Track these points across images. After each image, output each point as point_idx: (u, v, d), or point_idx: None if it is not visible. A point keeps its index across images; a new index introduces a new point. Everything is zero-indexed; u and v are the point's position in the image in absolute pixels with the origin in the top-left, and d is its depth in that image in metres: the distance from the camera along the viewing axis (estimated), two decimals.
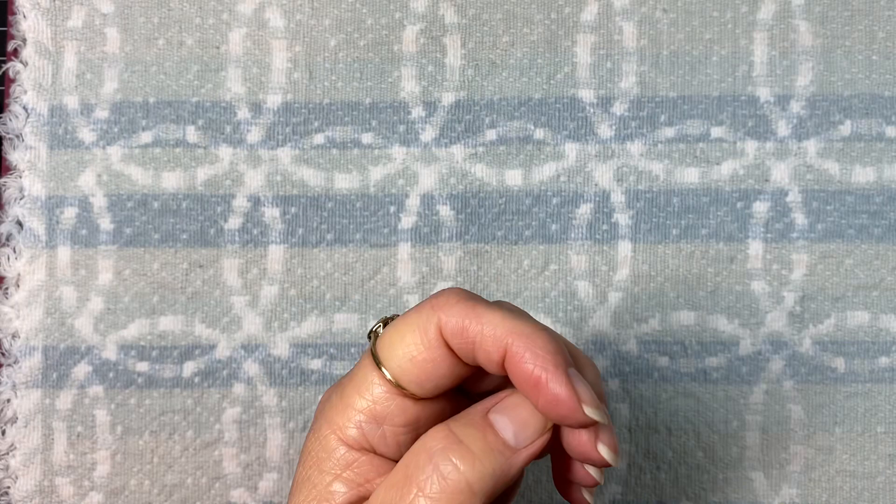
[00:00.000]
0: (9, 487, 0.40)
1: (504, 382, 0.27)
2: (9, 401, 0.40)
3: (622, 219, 0.41)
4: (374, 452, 0.27)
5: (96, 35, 0.41)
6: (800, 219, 0.41)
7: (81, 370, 0.40)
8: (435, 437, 0.25)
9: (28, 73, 0.41)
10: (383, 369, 0.26)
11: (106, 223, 0.40)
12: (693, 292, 0.41)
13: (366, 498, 0.26)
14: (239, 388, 0.40)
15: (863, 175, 0.41)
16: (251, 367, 0.40)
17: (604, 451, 0.26)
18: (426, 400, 0.27)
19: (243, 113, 0.41)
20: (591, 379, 0.27)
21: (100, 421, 0.40)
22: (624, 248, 0.41)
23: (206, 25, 0.41)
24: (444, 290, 0.27)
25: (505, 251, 0.41)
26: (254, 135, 0.41)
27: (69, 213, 0.40)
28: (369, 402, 0.26)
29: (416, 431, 0.27)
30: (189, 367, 0.40)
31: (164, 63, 0.41)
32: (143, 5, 0.41)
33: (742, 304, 0.40)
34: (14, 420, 0.40)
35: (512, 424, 0.25)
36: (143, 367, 0.40)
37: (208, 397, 0.40)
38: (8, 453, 0.40)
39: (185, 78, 0.41)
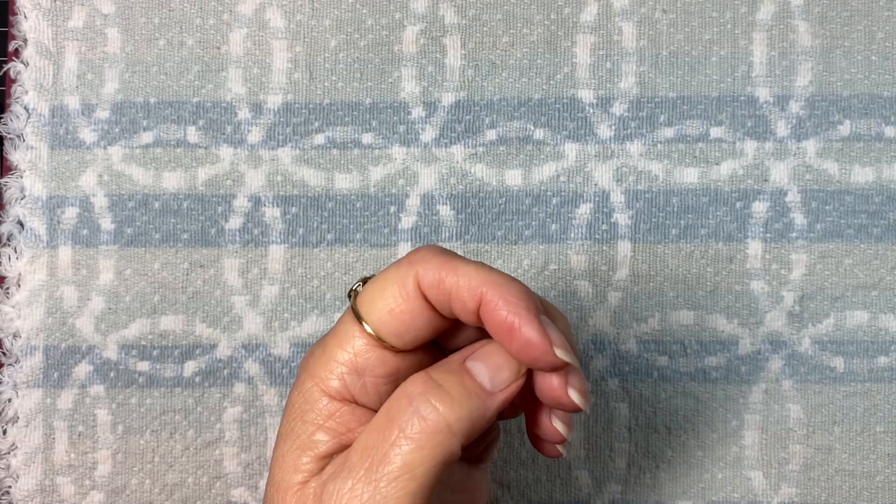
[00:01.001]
0: (10, 487, 0.40)
1: (478, 336, 0.29)
2: (10, 400, 0.40)
3: (622, 219, 0.41)
4: (356, 403, 0.28)
5: (97, 35, 0.41)
6: (799, 219, 0.41)
7: (82, 370, 0.40)
8: (415, 383, 0.26)
9: (29, 74, 0.41)
10: (364, 323, 0.27)
11: (107, 223, 0.41)
12: (692, 292, 0.41)
13: (346, 446, 0.27)
14: (240, 388, 0.40)
15: (862, 175, 0.41)
16: (252, 367, 0.40)
17: (574, 395, 0.27)
18: (405, 352, 0.28)
19: (244, 113, 0.41)
20: (562, 328, 0.28)
21: (101, 420, 0.40)
22: (623, 247, 0.41)
23: (206, 26, 0.41)
24: (420, 247, 0.28)
25: (505, 251, 0.41)
26: (254, 135, 0.41)
27: (70, 213, 0.40)
28: (350, 354, 0.27)
29: (396, 382, 0.28)
30: (190, 367, 0.40)
31: (165, 63, 0.41)
32: (144, 6, 0.41)
33: (741, 304, 0.41)
34: (15, 420, 0.40)
35: (487, 370, 0.27)
36: (143, 366, 0.40)
37: (209, 397, 0.40)
38: (9, 453, 0.40)
39: (186, 78, 0.41)
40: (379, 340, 0.27)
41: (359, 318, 0.27)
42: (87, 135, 0.41)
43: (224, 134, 0.41)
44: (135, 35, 0.41)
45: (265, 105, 0.41)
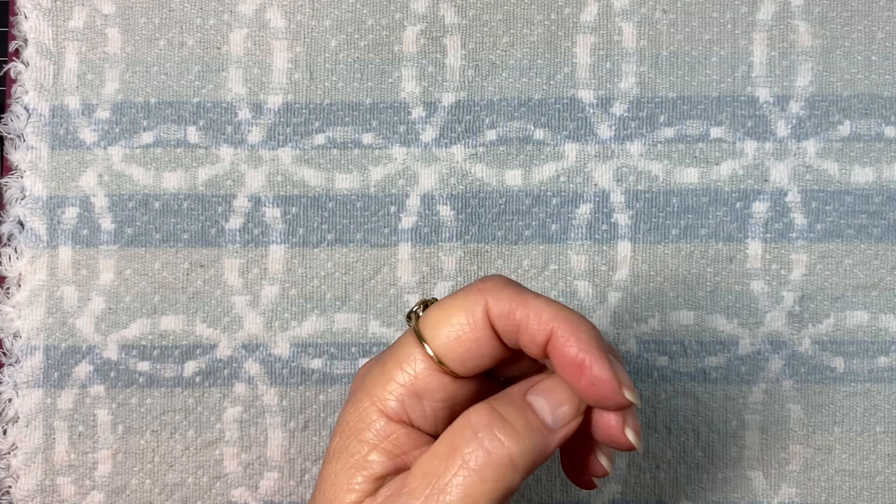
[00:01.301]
0: (10, 487, 0.40)
1: (532, 367, 0.29)
2: (10, 400, 0.40)
3: (622, 219, 0.41)
4: (412, 425, 0.28)
5: (97, 36, 0.41)
6: (799, 219, 0.41)
7: (83, 370, 0.40)
8: (479, 414, 0.26)
9: (29, 74, 0.41)
10: (427, 346, 0.27)
11: (107, 223, 0.41)
12: (692, 292, 0.41)
13: (401, 468, 0.27)
14: (240, 388, 0.40)
15: (862, 175, 0.41)
16: (252, 367, 0.40)
17: (630, 436, 0.27)
18: (463, 378, 0.28)
19: (244, 113, 0.41)
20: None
21: (101, 420, 0.40)
22: (623, 248, 0.41)
23: (206, 26, 0.41)
24: (488, 276, 0.28)
25: (505, 251, 0.41)
26: (255, 135, 0.41)
27: (70, 213, 0.40)
28: (411, 376, 0.27)
29: (453, 408, 0.28)
30: (190, 367, 0.40)
31: (166, 64, 0.41)
32: (145, 6, 0.41)
33: (741, 304, 0.41)
34: (15, 420, 0.40)
35: (549, 405, 0.27)
36: (144, 366, 0.40)
37: (209, 397, 0.40)
38: (9, 453, 0.40)
39: (186, 78, 0.41)
40: (440, 365, 0.27)
41: (422, 341, 0.27)
42: (88, 135, 0.41)
43: (224, 134, 0.41)
44: (135, 35, 0.41)
45: (265, 105, 0.41)
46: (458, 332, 0.27)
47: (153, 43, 0.41)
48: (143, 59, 0.41)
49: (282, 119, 0.41)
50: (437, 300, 0.29)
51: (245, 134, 0.41)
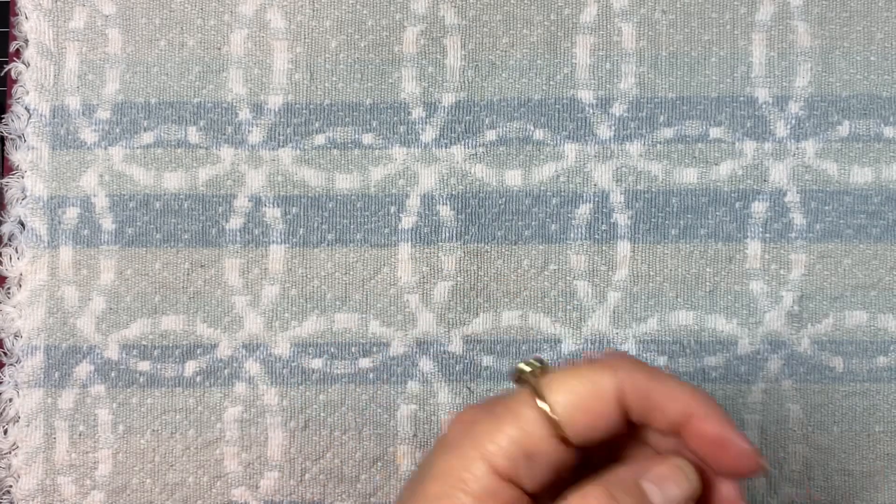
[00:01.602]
0: (11, 486, 0.40)
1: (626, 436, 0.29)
2: (11, 400, 0.40)
3: (621, 219, 0.41)
4: (517, 485, 0.27)
5: (98, 36, 0.41)
6: (798, 219, 0.41)
7: (83, 369, 0.40)
8: (596, 496, 0.26)
9: (30, 74, 0.41)
10: (549, 409, 0.27)
11: (108, 223, 0.41)
12: (692, 292, 0.41)
13: None
14: (240, 388, 0.40)
15: (861, 175, 0.41)
16: (252, 367, 0.40)
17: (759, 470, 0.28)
18: (572, 447, 0.27)
19: (244, 114, 0.41)
20: None
21: (101, 420, 0.40)
22: (623, 248, 0.41)
23: (207, 26, 0.41)
24: (614, 352, 0.29)
25: (504, 251, 0.41)
26: (255, 135, 0.41)
27: (71, 214, 0.41)
28: (525, 434, 0.26)
29: (557, 473, 0.27)
30: (190, 367, 0.40)
31: (166, 64, 0.41)
32: (145, 6, 0.41)
33: (740, 304, 0.41)
34: (16, 419, 0.40)
35: (662, 496, 0.27)
36: (144, 366, 0.40)
37: (210, 396, 0.40)
38: (10, 452, 0.40)
39: (187, 79, 0.41)
40: (557, 430, 0.27)
41: (541, 401, 0.27)
42: (88, 135, 0.41)
43: (225, 134, 0.41)
44: (136, 36, 0.41)
45: (266, 105, 0.41)
46: (585, 402, 0.27)
47: (154, 43, 0.41)
48: (144, 60, 0.41)
49: (282, 119, 0.41)
50: (543, 362, 0.28)
51: (245, 134, 0.41)
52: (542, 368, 0.28)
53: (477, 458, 0.26)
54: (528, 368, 0.28)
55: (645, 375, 0.27)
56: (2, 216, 0.41)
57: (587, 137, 0.41)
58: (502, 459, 0.26)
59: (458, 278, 0.41)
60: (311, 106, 0.41)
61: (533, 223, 0.41)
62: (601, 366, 0.27)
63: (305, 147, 0.41)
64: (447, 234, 0.41)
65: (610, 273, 0.41)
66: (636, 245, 0.41)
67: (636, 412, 0.27)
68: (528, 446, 0.26)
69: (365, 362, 0.40)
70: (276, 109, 0.41)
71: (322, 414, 0.40)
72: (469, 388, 0.40)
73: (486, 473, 0.26)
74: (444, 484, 0.26)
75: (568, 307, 0.41)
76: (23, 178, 0.41)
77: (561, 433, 0.26)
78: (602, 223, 0.41)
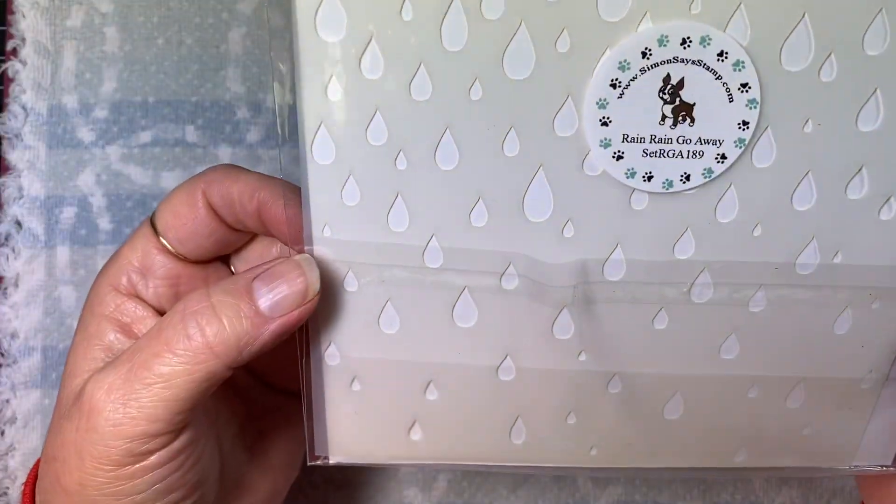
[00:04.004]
0: (8, 488, 0.40)
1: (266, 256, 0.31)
2: (8, 401, 0.40)
3: None
4: (141, 299, 0.30)
5: (95, 34, 0.41)
6: None
7: None
8: (191, 300, 0.27)
9: (27, 73, 0.40)
10: (153, 225, 0.30)
11: (105, 223, 0.40)
12: None
13: (131, 338, 0.29)
14: None
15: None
16: None
17: None
18: (189, 262, 0.30)
19: (243, 112, 0.41)
20: None
21: None
22: None
23: (205, 25, 0.41)
24: (218, 164, 0.31)
25: None
26: (253, 134, 0.41)
27: (68, 213, 0.40)
28: (139, 253, 0.30)
29: (180, 288, 0.30)
30: None
31: (164, 62, 0.41)
32: (143, 5, 0.41)
33: None
34: (13, 420, 0.40)
35: (271, 294, 0.27)
36: None
37: None
38: (7, 454, 0.40)
39: (185, 77, 0.41)
40: (163, 245, 0.30)
41: (151, 221, 0.30)
42: (86, 134, 0.40)
43: (223, 133, 0.41)
44: (133, 34, 0.41)
45: (264, 104, 0.41)
46: (176, 208, 0.29)
47: (151, 42, 0.41)
48: (142, 58, 0.41)
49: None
50: None
51: (244, 133, 0.41)
52: None
53: (102, 282, 0.30)
54: None
55: (224, 173, 0.29)
56: None
57: None
58: (118, 276, 0.30)
59: None
60: None
61: None
62: (198, 175, 0.30)
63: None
64: None
65: None
66: None
67: (225, 213, 0.29)
68: (142, 264, 0.30)
69: None
70: (275, 109, 0.41)
71: None
72: None
73: (109, 292, 0.30)
74: (83, 312, 0.30)
75: None
76: (19, 177, 0.40)
77: (168, 249, 0.30)
78: None
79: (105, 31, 0.41)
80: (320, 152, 0.27)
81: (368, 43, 0.25)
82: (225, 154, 0.40)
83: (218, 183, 0.29)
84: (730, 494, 0.41)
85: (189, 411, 0.27)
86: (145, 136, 0.40)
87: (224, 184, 0.29)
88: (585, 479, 0.41)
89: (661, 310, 0.29)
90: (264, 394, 0.35)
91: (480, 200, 0.27)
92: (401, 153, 0.27)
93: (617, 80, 0.25)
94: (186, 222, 0.29)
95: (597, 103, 0.26)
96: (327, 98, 0.26)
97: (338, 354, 0.30)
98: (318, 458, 0.31)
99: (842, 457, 0.32)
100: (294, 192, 0.28)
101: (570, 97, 0.26)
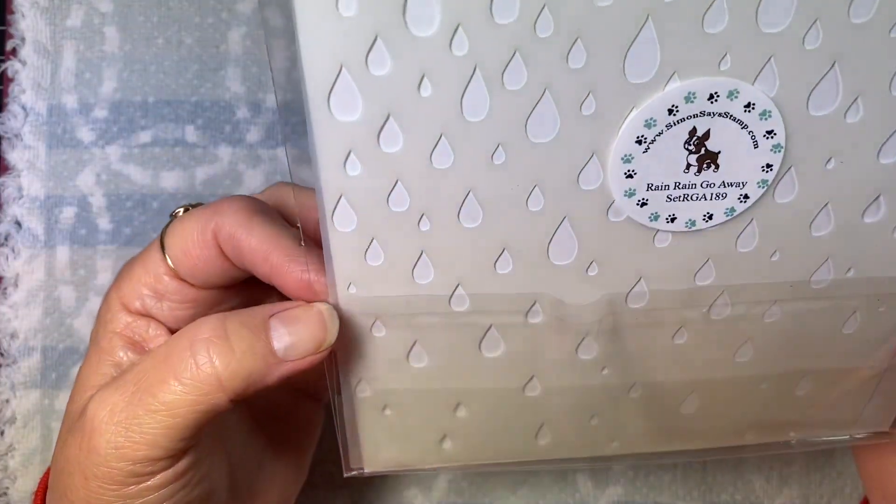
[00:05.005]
0: (7, 488, 0.40)
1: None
2: (7, 401, 0.40)
3: None
4: (153, 317, 0.29)
5: (95, 34, 0.41)
6: None
7: None
8: (203, 327, 0.27)
9: (27, 73, 0.40)
10: (166, 254, 0.29)
11: (105, 223, 0.40)
12: None
13: (140, 353, 0.29)
14: None
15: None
16: None
17: None
18: (204, 288, 0.29)
19: (242, 112, 0.41)
20: None
21: None
22: None
23: (205, 24, 0.41)
24: (230, 197, 0.29)
25: None
26: (253, 134, 0.41)
27: (68, 213, 0.40)
28: (151, 277, 0.29)
29: (195, 309, 0.30)
30: None
31: (164, 62, 0.41)
32: (143, 4, 0.41)
33: None
34: (13, 420, 0.40)
35: (288, 336, 0.27)
36: None
37: None
38: (7, 454, 0.40)
39: (185, 77, 0.41)
40: (176, 273, 0.29)
41: (163, 247, 0.29)
42: (85, 134, 0.40)
43: (223, 133, 0.41)
44: (133, 34, 0.41)
45: (264, 104, 0.41)
46: (188, 246, 0.28)
47: (151, 42, 0.41)
48: (141, 58, 0.41)
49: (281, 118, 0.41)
50: (193, 207, 0.30)
51: (244, 133, 0.41)
52: (187, 210, 0.30)
53: (115, 301, 0.29)
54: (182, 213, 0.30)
55: (235, 221, 0.28)
56: None
57: None
58: (131, 298, 0.29)
59: None
60: None
61: None
62: (209, 210, 0.28)
63: (304, 146, 0.41)
64: None
65: None
66: None
67: (233, 259, 0.28)
68: (156, 288, 0.29)
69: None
70: (275, 108, 0.41)
71: None
72: None
73: (120, 311, 0.29)
74: (95, 325, 0.30)
75: None
76: (19, 177, 0.40)
77: (180, 277, 0.29)
78: None
79: (105, 30, 0.41)
80: (341, 221, 0.26)
81: (386, 121, 0.24)
82: (225, 154, 0.40)
83: (229, 233, 0.28)
84: (730, 494, 0.41)
85: (191, 438, 0.26)
86: (145, 136, 0.40)
87: (236, 235, 0.27)
88: (585, 480, 0.41)
89: (680, 328, 0.29)
90: (275, 395, 0.34)
91: (505, 251, 0.27)
92: (423, 216, 0.26)
93: (643, 136, 0.24)
94: (197, 262, 0.28)
95: (622, 158, 0.25)
96: (346, 173, 0.25)
97: (368, 388, 0.30)
98: (353, 469, 0.32)
99: (843, 427, 0.33)
100: (302, 253, 0.27)
101: (594, 155, 0.25)
